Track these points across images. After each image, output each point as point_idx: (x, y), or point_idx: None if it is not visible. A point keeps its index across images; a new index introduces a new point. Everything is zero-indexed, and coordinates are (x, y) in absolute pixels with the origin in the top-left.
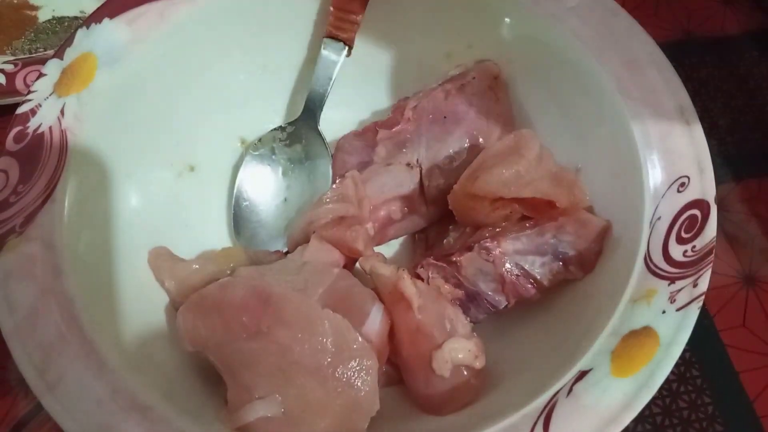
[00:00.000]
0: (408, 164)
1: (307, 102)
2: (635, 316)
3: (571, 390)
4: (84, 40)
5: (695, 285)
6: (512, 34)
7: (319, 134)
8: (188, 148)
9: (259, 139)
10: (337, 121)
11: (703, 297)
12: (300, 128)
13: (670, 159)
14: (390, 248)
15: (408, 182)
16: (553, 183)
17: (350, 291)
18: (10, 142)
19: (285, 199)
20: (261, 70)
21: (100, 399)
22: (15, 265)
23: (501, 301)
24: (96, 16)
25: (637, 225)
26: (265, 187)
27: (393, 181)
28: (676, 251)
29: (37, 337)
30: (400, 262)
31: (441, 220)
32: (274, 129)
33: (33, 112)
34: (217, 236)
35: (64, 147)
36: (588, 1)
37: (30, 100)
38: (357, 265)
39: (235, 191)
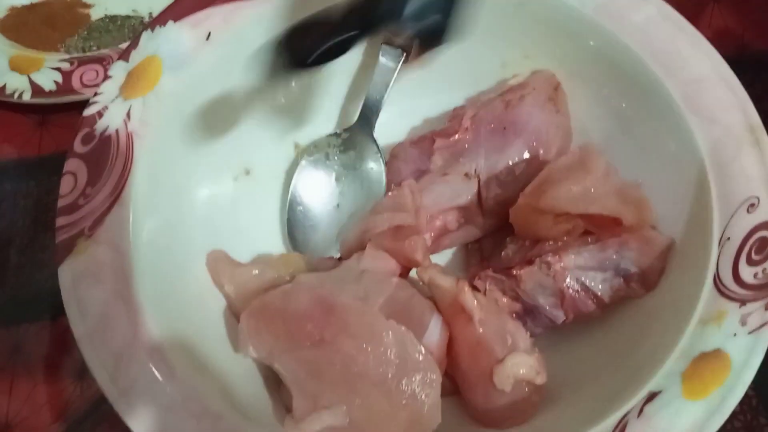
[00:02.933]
0: (466, 174)
1: (363, 108)
2: (706, 338)
3: (641, 411)
4: (149, 43)
5: (767, 308)
6: (572, 46)
7: (374, 141)
8: (245, 151)
9: (314, 145)
10: (389, 128)
11: None
12: (355, 135)
13: (739, 179)
14: (442, 257)
15: (465, 193)
16: (620, 200)
17: (410, 302)
18: (78, 145)
19: (337, 205)
20: (317, 75)
21: (172, 405)
22: (85, 269)
23: (559, 315)
24: (161, 19)
25: (706, 245)
26: (318, 192)
27: (450, 191)
28: (747, 273)
29: (108, 343)
30: (451, 272)
31: (496, 230)
32: (330, 135)
33: (100, 114)
34: (270, 240)
35: (130, 150)
36: (654, 15)
37: (97, 102)
38: (411, 273)
39: (289, 196)
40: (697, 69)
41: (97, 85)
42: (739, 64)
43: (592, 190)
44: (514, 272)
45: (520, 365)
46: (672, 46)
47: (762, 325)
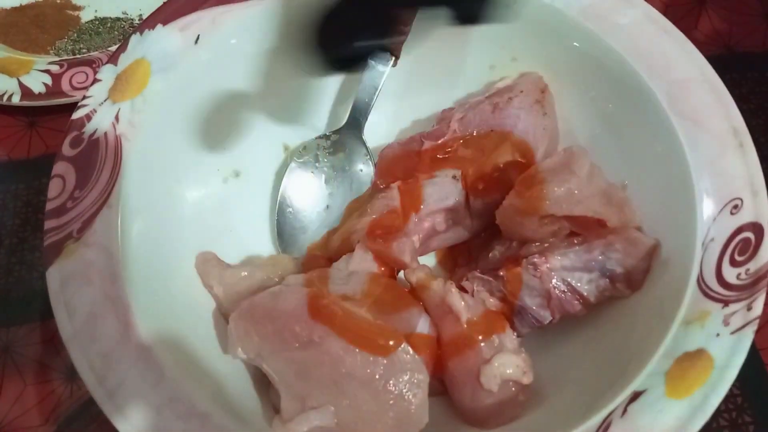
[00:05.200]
0: (453, 176)
1: (352, 111)
2: (689, 338)
3: (625, 411)
4: (138, 46)
5: (749, 308)
6: (559, 49)
7: (363, 143)
8: (234, 153)
9: (304, 147)
10: (378, 129)
11: (757, 321)
12: (344, 136)
13: (722, 180)
14: (430, 258)
15: (454, 194)
16: (604, 201)
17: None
18: (66, 148)
19: (327, 207)
20: (306, 78)
21: (160, 406)
22: (73, 271)
23: (546, 316)
24: (149, 23)
25: (689, 246)
26: (308, 194)
27: (438, 193)
28: (730, 274)
29: (96, 344)
30: (439, 273)
31: (483, 232)
32: (319, 137)
33: (88, 117)
34: (260, 241)
35: (118, 153)
36: (640, 18)
37: (85, 106)
38: (399, 275)
39: (279, 198)
40: (681, 71)
41: (86, 88)
42: (727, 64)
43: (577, 192)
44: (501, 273)
45: (507, 365)
46: (657, 48)
47: (744, 325)
